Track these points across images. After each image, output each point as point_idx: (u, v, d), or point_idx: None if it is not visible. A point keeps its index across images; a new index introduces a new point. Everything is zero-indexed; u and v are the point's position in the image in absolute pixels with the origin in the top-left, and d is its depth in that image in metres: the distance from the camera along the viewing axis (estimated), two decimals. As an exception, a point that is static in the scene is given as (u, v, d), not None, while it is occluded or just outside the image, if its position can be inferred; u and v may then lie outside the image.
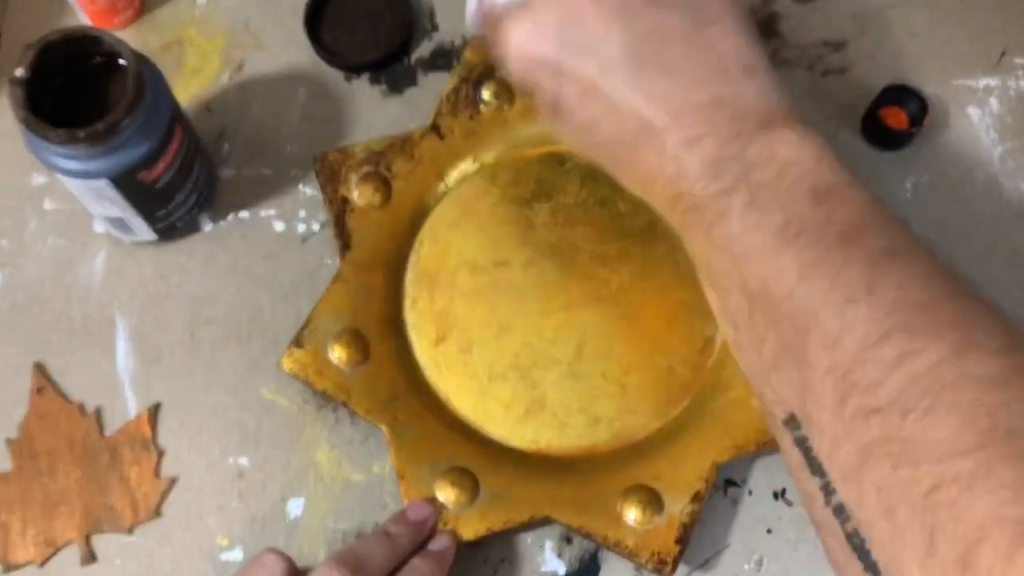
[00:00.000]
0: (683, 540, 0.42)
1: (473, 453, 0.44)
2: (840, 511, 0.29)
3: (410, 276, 0.48)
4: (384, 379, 0.45)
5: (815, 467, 0.30)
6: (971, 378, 0.27)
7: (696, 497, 0.43)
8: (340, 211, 0.48)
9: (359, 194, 0.48)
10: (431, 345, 0.47)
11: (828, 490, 0.29)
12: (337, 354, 0.45)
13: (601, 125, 0.35)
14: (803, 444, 0.30)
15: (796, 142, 0.32)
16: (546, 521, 0.44)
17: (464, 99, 0.50)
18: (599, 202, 0.49)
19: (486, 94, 0.50)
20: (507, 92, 0.50)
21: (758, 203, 0.32)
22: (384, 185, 0.49)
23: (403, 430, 0.44)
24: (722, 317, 0.35)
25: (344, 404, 0.45)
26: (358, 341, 0.45)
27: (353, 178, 0.48)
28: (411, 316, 0.48)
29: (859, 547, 0.28)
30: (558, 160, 0.50)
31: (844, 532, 0.29)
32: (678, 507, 0.43)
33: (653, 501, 0.42)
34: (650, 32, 0.34)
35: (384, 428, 0.44)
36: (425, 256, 0.48)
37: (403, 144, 0.49)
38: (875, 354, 0.28)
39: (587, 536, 0.43)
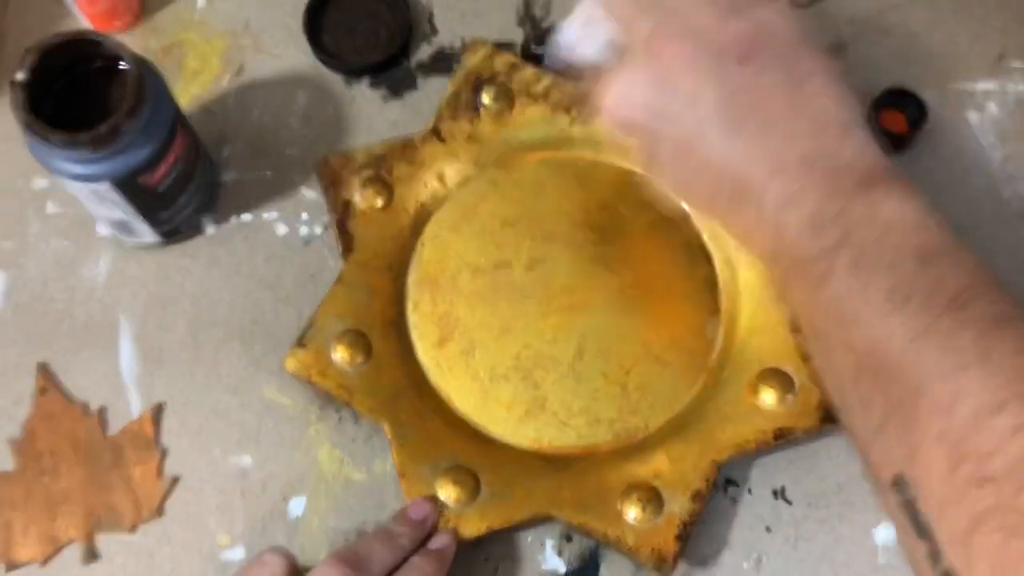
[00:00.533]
0: (683, 538, 0.42)
1: (474, 452, 0.45)
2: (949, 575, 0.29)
3: (412, 278, 0.48)
4: (386, 379, 0.46)
5: (922, 530, 0.30)
6: None
7: (696, 496, 0.43)
8: (342, 214, 0.48)
9: (361, 197, 0.48)
10: (433, 346, 0.47)
11: (936, 554, 0.29)
12: (340, 354, 0.45)
13: (696, 182, 0.35)
14: (911, 506, 0.30)
15: (898, 201, 0.32)
16: (547, 519, 0.44)
17: (464, 103, 0.50)
18: (600, 205, 0.49)
19: (486, 98, 0.50)
20: (507, 96, 0.50)
21: (864, 263, 0.32)
22: (385, 188, 0.49)
23: (405, 429, 0.44)
24: (826, 375, 0.34)
25: (346, 404, 0.45)
26: (360, 342, 0.46)
27: (355, 181, 0.49)
28: (413, 317, 0.48)
29: None
30: (558, 164, 0.50)
31: None
32: (678, 505, 0.43)
33: (653, 500, 0.43)
34: (744, 91, 0.34)
35: (386, 427, 0.44)
36: (427, 258, 0.49)
37: (404, 147, 0.49)
38: (990, 423, 0.28)
39: (587, 534, 0.43)
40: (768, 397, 0.44)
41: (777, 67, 0.34)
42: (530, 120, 0.50)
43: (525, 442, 0.46)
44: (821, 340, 0.34)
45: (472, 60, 0.50)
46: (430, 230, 0.49)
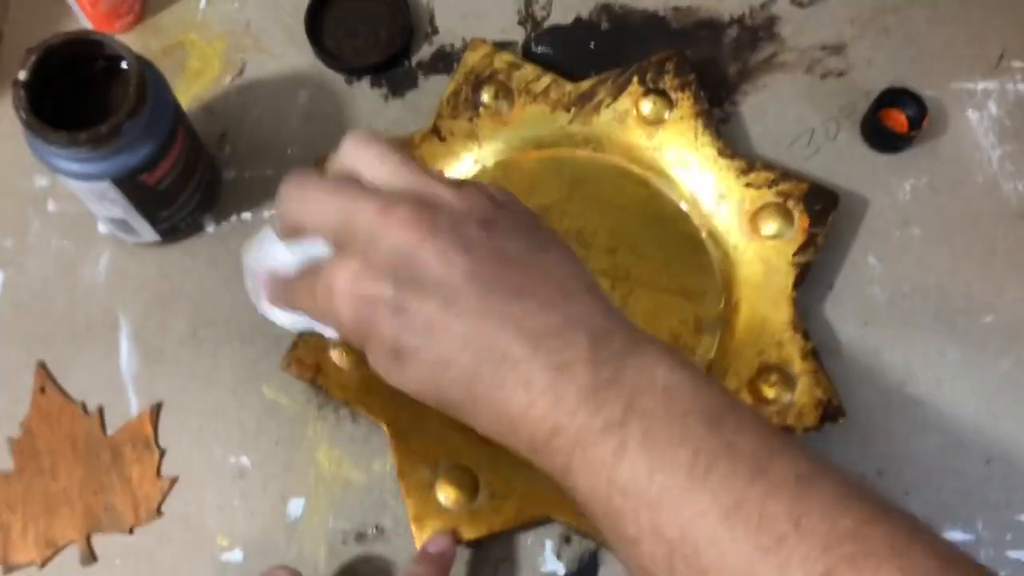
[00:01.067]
0: None
1: (474, 453, 0.44)
2: None
3: None
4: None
5: None
6: None
7: None
8: None
9: None
10: None
11: None
12: (338, 353, 0.45)
13: (453, 363, 0.31)
14: None
15: (669, 363, 0.31)
16: (546, 521, 0.44)
17: (464, 101, 0.50)
18: (600, 201, 0.49)
19: (485, 96, 0.50)
20: (506, 94, 0.50)
21: (655, 436, 0.30)
22: None
23: (404, 429, 0.44)
24: (634, 567, 0.31)
25: (345, 403, 0.45)
26: None
27: None
28: None
29: None
30: (557, 162, 0.50)
31: None
32: None
33: None
34: (491, 258, 0.31)
35: (385, 427, 0.44)
36: None
37: (403, 146, 0.49)
38: None
39: (588, 536, 0.43)
40: (768, 395, 0.44)
41: (517, 234, 0.33)
42: (529, 118, 0.50)
43: None
44: (623, 526, 0.30)
45: (472, 59, 0.50)
46: None
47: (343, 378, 0.45)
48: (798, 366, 0.45)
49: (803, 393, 0.44)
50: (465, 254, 0.31)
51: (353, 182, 0.33)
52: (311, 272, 0.34)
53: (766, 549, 0.28)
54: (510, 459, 0.45)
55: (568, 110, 0.50)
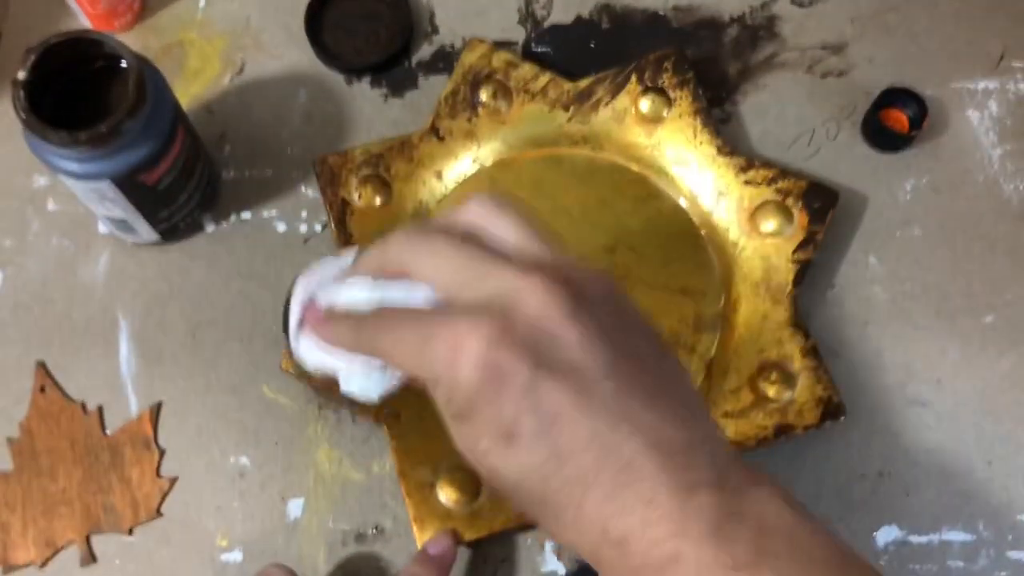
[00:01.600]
0: None
1: None
2: None
3: None
4: None
5: None
6: None
7: None
8: (340, 213, 0.48)
9: (359, 196, 0.48)
10: None
11: None
12: None
13: (571, 460, 0.28)
14: None
15: (782, 501, 0.29)
16: None
17: (462, 101, 0.50)
18: (598, 200, 0.49)
19: (484, 96, 0.50)
20: (505, 93, 0.50)
21: None
22: (384, 187, 0.49)
23: (404, 430, 0.44)
24: None
25: (345, 404, 0.45)
26: None
27: (353, 180, 0.49)
28: None
29: None
30: (555, 161, 0.50)
31: None
32: None
33: None
34: (629, 356, 0.29)
35: (385, 428, 0.44)
36: None
37: (402, 146, 0.49)
38: None
39: None
40: (769, 393, 0.44)
41: (644, 332, 0.30)
42: (528, 117, 0.50)
43: None
44: None
45: (470, 58, 0.50)
46: None
47: None
48: (798, 363, 0.45)
49: (803, 391, 0.44)
50: (606, 343, 0.28)
51: (484, 244, 0.30)
52: (417, 318, 0.30)
53: None
54: None
55: (566, 109, 0.50)
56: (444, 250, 0.30)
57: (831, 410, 0.44)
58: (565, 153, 0.50)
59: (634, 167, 0.50)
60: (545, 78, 0.50)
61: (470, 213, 0.31)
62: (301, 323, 0.34)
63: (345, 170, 0.49)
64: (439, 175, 0.50)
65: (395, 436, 0.44)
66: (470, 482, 0.43)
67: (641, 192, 0.49)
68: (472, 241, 0.31)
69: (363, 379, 0.33)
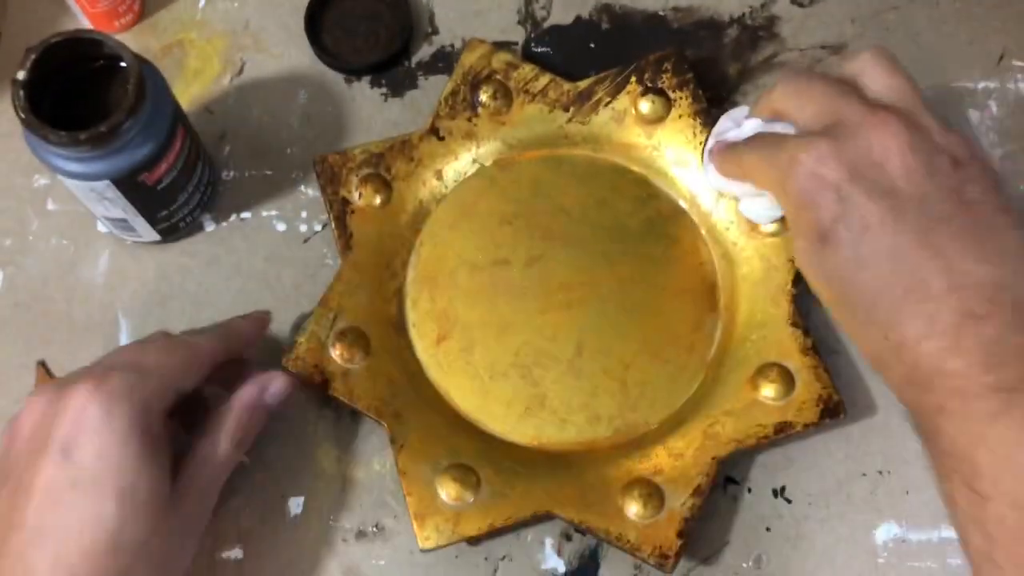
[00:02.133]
0: (684, 534, 0.42)
1: (474, 449, 0.44)
2: None
3: (411, 276, 0.48)
4: (385, 376, 0.46)
5: None
6: None
7: (697, 491, 0.43)
8: (341, 212, 0.48)
9: (359, 195, 0.49)
10: (432, 344, 0.47)
11: None
12: (339, 352, 0.45)
13: (871, 267, 0.33)
14: None
15: None
16: (548, 517, 0.44)
17: (462, 101, 0.50)
18: (598, 201, 0.49)
19: (483, 96, 0.50)
20: (504, 94, 0.50)
21: None
22: (384, 186, 0.49)
23: (404, 427, 0.44)
24: (970, 520, 0.32)
25: (346, 402, 0.45)
26: (360, 339, 0.46)
27: (353, 180, 0.49)
28: (412, 315, 0.48)
29: None
30: (556, 161, 0.50)
31: None
32: (679, 501, 0.43)
33: (654, 495, 0.43)
34: (952, 193, 0.33)
35: (385, 425, 0.44)
36: (425, 256, 0.49)
37: (403, 146, 0.50)
38: None
39: (588, 531, 0.43)
40: (768, 392, 0.44)
41: (983, 185, 0.34)
42: (528, 118, 0.50)
43: (525, 439, 0.46)
44: (978, 481, 0.30)
45: (469, 59, 0.50)
46: (429, 228, 0.49)
47: (344, 376, 0.45)
48: (798, 362, 0.45)
49: (803, 389, 0.44)
50: (929, 178, 0.33)
51: (852, 87, 0.36)
52: (774, 140, 0.36)
53: None
54: (511, 456, 0.45)
55: (566, 110, 0.50)
56: (818, 91, 0.36)
57: (831, 408, 0.44)
58: (565, 154, 0.50)
59: (634, 168, 0.50)
60: (545, 79, 0.50)
61: (857, 62, 0.37)
62: (710, 154, 0.44)
63: (345, 169, 0.49)
64: (439, 175, 0.50)
65: (395, 434, 0.44)
66: (471, 479, 0.43)
67: (641, 193, 0.50)
68: (844, 84, 0.36)
69: (750, 203, 0.44)
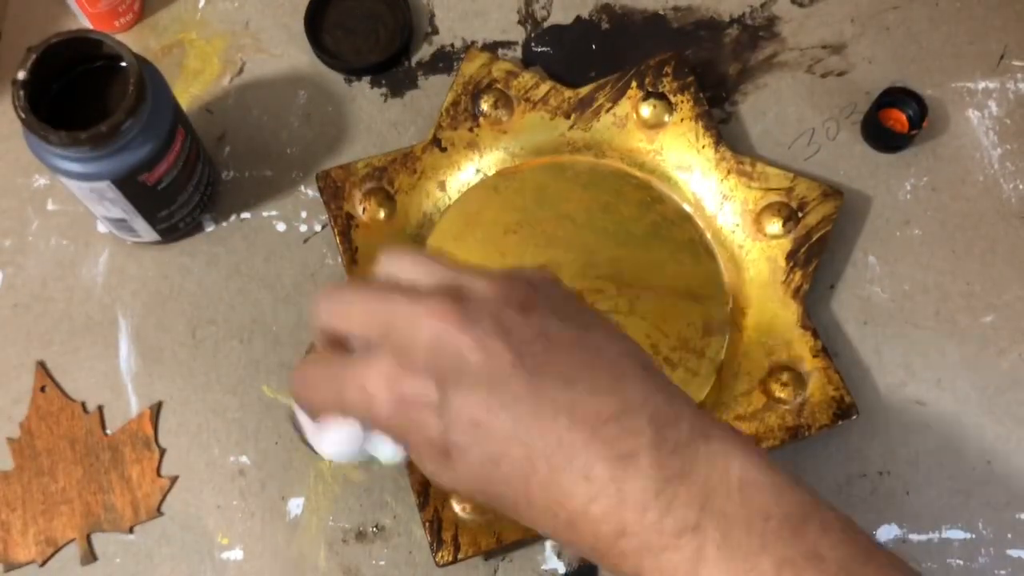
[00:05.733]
0: None
1: None
2: None
3: None
4: None
5: None
6: None
7: None
8: (345, 227, 0.48)
9: (364, 210, 0.48)
10: None
11: None
12: None
13: (503, 458, 0.29)
14: None
15: (743, 455, 0.28)
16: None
17: (463, 111, 0.50)
18: (602, 207, 0.49)
19: (484, 105, 0.50)
20: (506, 102, 0.50)
21: (735, 543, 0.27)
22: (388, 200, 0.49)
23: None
24: None
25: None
26: None
27: (357, 194, 0.48)
28: None
29: None
30: (558, 168, 0.50)
31: None
32: None
33: None
34: (533, 342, 0.29)
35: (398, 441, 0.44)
36: None
37: (405, 158, 0.49)
38: None
39: None
40: (780, 395, 0.44)
41: (558, 314, 0.30)
42: (530, 126, 0.50)
43: None
44: None
45: (469, 68, 0.50)
46: (434, 239, 0.49)
47: None
48: (809, 364, 0.45)
49: (815, 391, 0.44)
50: (505, 340, 0.29)
51: (388, 284, 0.32)
52: (329, 373, 0.31)
53: None
54: None
55: (568, 116, 0.50)
56: (356, 303, 0.31)
57: (843, 410, 0.44)
58: (567, 160, 0.50)
59: (637, 173, 0.50)
60: (546, 86, 0.50)
61: (382, 266, 0.33)
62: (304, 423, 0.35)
63: (348, 184, 0.49)
64: (442, 186, 0.50)
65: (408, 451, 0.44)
66: None
67: (645, 197, 0.49)
68: (380, 285, 0.32)
69: (385, 447, 0.34)
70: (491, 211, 0.49)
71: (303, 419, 0.35)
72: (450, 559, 0.42)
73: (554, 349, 0.29)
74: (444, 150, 0.50)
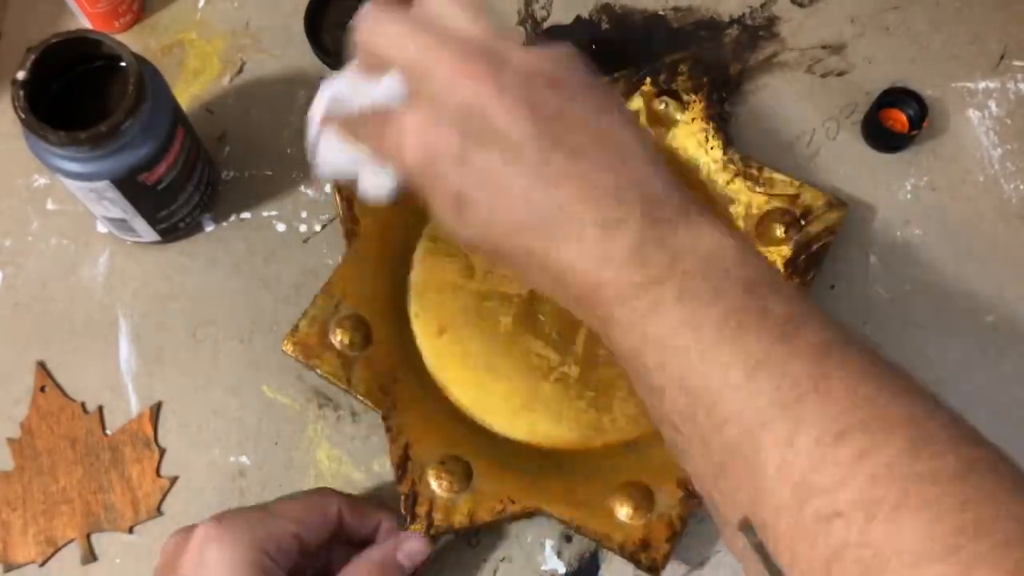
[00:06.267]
0: (673, 539, 0.42)
1: (469, 442, 0.44)
2: None
3: (418, 267, 0.48)
4: (384, 365, 0.46)
5: (775, 572, 0.29)
6: (932, 474, 0.27)
7: (689, 498, 0.43)
8: (350, 197, 0.48)
9: None
10: (433, 336, 0.47)
11: None
12: (339, 338, 0.45)
13: (510, 214, 0.33)
14: (761, 549, 0.29)
15: (717, 234, 0.32)
16: (537, 513, 0.44)
17: None
18: None
19: None
20: None
21: (691, 293, 0.31)
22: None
23: (400, 416, 0.44)
24: (659, 418, 0.33)
25: (343, 388, 0.45)
26: (361, 327, 0.46)
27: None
28: (415, 306, 0.48)
29: None
30: None
31: None
32: (670, 507, 0.43)
33: (645, 499, 0.43)
34: (555, 117, 0.32)
35: (381, 412, 0.44)
36: (434, 248, 0.49)
37: None
38: (832, 453, 0.27)
39: (577, 530, 0.43)
40: None
41: (583, 96, 0.33)
42: None
43: (520, 434, 0.46)
44: (650, 381, 0.32)
45: None
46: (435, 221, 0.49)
47: (343, 362, 0.45)
48: None
49: None
50: (530, 111, 0.32)
51: (437, 27, 0.34)
52: (383, 111, 0.35)
53: (784, 406, 0.29)
54: (505, 451, 0.45)
55: None
56: (402, 35, 0.34)
57: None
58: None
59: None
60: None
61: (429, 3, 0.35)
62: (319, 133, 0.38)
63: None
64: None
65: (390, 422, 0.44)
66: (463, 471, 0.43)
67: None
68: (429, 26, 0.34)
69: (371, 177, 0.37)
70: None
71: (315, 130, 0.38)
72: (421, 534, 0.42)
73: (571, 126, 0.33)
74: None
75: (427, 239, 0.49)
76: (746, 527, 0.30)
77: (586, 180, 0.32)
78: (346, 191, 0.48)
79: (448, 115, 0.33)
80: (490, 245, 0.34)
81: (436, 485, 0.43)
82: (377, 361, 0.45)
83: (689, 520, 0.43)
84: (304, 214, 0.51)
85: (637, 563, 0.42)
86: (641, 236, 0.31)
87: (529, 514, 0.43)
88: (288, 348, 0.45)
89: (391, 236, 0.48)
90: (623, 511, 0.43)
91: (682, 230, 0.32)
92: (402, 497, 0.43)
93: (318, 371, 0.45)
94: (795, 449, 0.28)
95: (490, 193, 0.33)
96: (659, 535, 0.42)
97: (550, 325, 0.47)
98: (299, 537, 0.39)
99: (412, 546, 0.41)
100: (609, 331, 0.33)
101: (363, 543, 0.42)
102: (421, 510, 0.43)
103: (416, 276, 0.48)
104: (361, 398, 0.45)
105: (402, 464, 0.44)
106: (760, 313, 0.30)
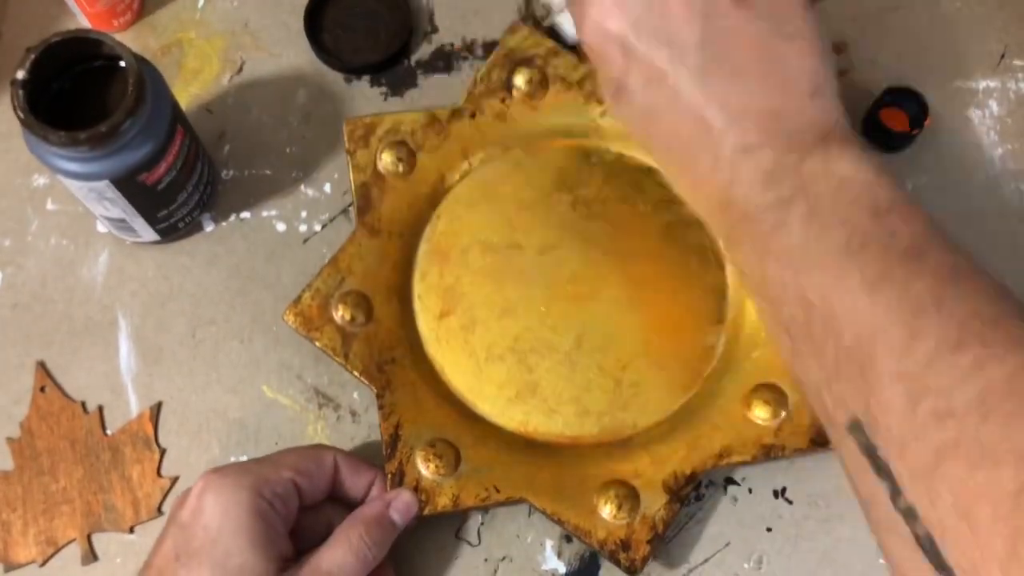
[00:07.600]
0: (654, 541, 0.42)
1: (459, 427, 0.44)
2: (910, 513, 0.28)
3: (423, 248, 0.48)
4: (383, 343, 0.46)
5: (881, 469, 0.30)
6: None
7: (673, 501, 0.43)
8: (362, 174, 0.48)
9: (384, 160, 0.48)
10: (434, 318, 0.47)
11: (895, 492, 0.29)
12: (340, 313, 0.45)
13: (660, 116, 0.35)
14: (868, 447, 0.30)
15: (854, 159, 0.32)
16: (521, 502, 0.43)
17: (497, 82, 0.50)
18: (620, 199, 0.49)
19: (519, 80, 0.50)
20: (541, 79, 0.50)
21: (818, 215, 0.32)
22: (410, 155, 0.49)
23: (394, 395, 0.44)
24: (775, 326, 0.34)
25: (339, 363, 0.45)
26: (363, 303, 0.46)
27: (380, 144, 0.48)
28: (418, 287, 0.48)
29: (930, 549, 0.28)
30: (584, 153, 0.50)
31: (914, 534, 0.28)
32: (654, 508, 0.43)
33: (630, 499, 0.43)
34: (728, 33, 0.34)
35: (375, 391, 0.44)
36: (440, 230, 0.49)
37: (432, 120, 0.49)
38: (950, 360, 0.28)
39: (559, 523, 0.43)
40: (760, 412, 0.44)
41: (768, 18, 0.34)
42: (562, 106, 0.50)
43: (512, 424, 0.46)
44: (770, 292, 0.33)
45: (511, 41, 0.50)
46: (447, 203, 0.49)
47: (342, 337, 0.45)
48: (795, 386, 0.44)
49: (796, 414, 0.44)
50: (706, 21, 0.33)
51: None
52: None
53: (903, 321, 0.29)
54: (494, 439, 0.45)
55: (601, 103, 0.50)
56: None
57: (821, 437, 0.43)
58: (594, 147, 0.50)
59: (660, 171, 0.50)
60: (584, 69, 0.50)
61: None
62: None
63: (375, 137, 0.49)
64: (465, 152, 0.49)
65: (384, 401, 0.44)
66: (451, 455, 0.43)
67: (664, 196, 0.49)
68: None
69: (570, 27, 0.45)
70: (509, 185, 0.49)
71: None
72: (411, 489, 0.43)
73: (743, 45, 0.34)
74: (472, 117, 0.50)
75: (436, 220, 0.49)
76: (854, 426, 0.30)
77: (737, 101, 0.33)
78: (360, 170, 0.48)
79: (628, 8, 0.34)
80: (641, 136, 0.37)
81: (423, 467, 0.43)
82: (376, 339, 0.45)
83: (673, 527, 0.43)
84: (304, 214, 0.51)
85: (616, 562, 0.42)
86: (775, 161, 0.32)
87: (513, 503, 0.43)
88: (289, 319, 0.45)
89: (402, 216, 0.48)
90: (607, 509, 0.43)
91: (819, 155, 0.32)
92: (388, 476, 0.43)
93: (317, 343, 0.45)
94: (911, 356, 0.29)
95: (646, 90, 0.34)
96: (641, 536, 0.42)
97: (552, 319, 0.47)
98: (296, 484, 0.40)
99: (403, 502, 0.42)
100: (735, 245, 0.34)
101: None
102: (405, 486, 0.43)
103: (422, 258, 0.48)
104: (357, 374, 0.45)
105: (391, 443, 0.43)
106: (887, 236, 0.31)
